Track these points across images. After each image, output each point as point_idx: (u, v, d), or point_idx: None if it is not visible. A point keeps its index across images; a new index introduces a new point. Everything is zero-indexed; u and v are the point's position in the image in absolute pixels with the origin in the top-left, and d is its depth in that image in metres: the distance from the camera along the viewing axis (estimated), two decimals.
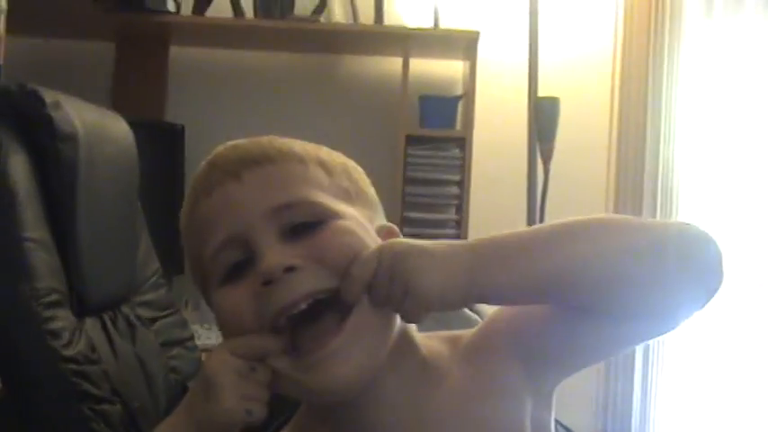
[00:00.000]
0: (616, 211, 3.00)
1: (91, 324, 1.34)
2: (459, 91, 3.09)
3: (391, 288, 0.80)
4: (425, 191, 2.92)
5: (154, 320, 1.56)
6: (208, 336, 2.64)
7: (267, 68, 3.20)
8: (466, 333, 0.92)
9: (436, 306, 0.81)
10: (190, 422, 0.82)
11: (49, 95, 1.36)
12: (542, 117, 2.63)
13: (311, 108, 3.17)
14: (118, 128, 1.58)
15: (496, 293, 0.83)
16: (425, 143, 2.93)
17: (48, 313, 1.19)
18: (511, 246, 0.82)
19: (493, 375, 0.87)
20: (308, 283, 0.81)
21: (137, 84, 3.05)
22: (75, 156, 1.34)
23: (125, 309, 1.48)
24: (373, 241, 0.86)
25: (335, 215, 0.85)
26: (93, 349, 1.27)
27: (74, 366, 1.19)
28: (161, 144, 2.90)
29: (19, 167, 1.28)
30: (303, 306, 0.81)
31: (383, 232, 0.91)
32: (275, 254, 0.81)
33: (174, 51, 3.12)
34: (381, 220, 0.94)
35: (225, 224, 0.85)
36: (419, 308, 0.81)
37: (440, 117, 2.97)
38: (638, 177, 3.02)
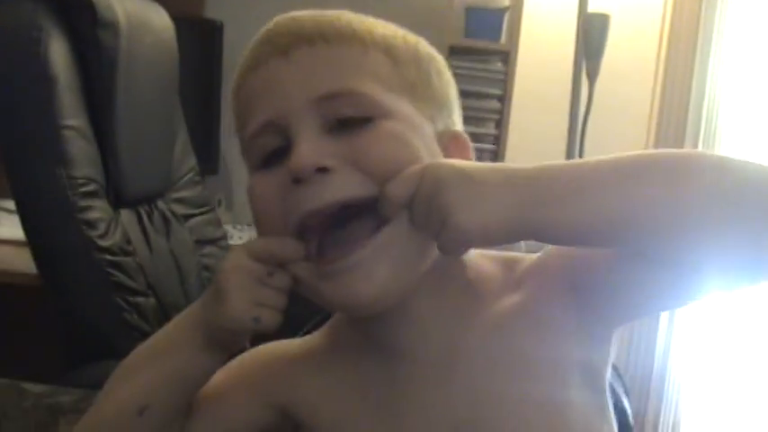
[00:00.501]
0: (657, 139, 2.94)
1: (127, 216, 1.33)
2: (506, 2, 3.01)
3: (429, 216, 0.71)
4: (466, 103, 2.82)
5: (188, 217, 1.55)
6: (240, 236, 2.64)
7: None
8: (526, 257, 0.83)
9: (476, 242, 0.72)
10: (200, 322, 0.77)
11: None
12: (591, 34, 2.54)
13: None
14: (159, 19, 1.54)
15: (549, 233, 0.72)
16: (469, 54, 2.86)
17: (84, 203, 1.18)
18: (573, 179, 0.71)
19: (541, 306, 0.78)
20: (339, 189, 0.72)
21: None
22: (116, 43, 1.32)
23: (161, 203, 1.47)
24: (426, 150, 0.76)
25: (387, 113, 0.75)
26: (129, 241, 1.27)
27: (109, 257, 1.19)
28: (200, 41, 2.85)
29: (59, 53, 1.25)
30: (329, 212, 0.72)
31: (446, 138, 0.80)
32: (310, 149, 0.72)
33: None
34: (449, 121, 0.82)
35: (266, 106, 0.76)
36: (456, 243, 0.71)
37: (485, 29, 2.89)
38: (682, 108, 2.95)
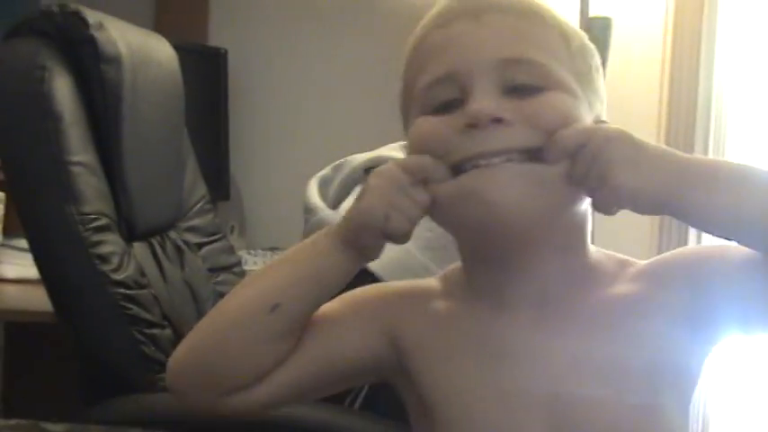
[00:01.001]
0: (667, 142, 2.92)
1: (140, 249, 1.33)
2: None
3: (590, 170, 0.76)
4: None
5: (201, 246, 1.56)
6: (254, 261, 2.64)
7: None
8: (635, 261, 0.88)
9: (627, 204, 0.77)
10: (339, 228, 0.81)
11: (92, 16, 1.33)
12: (593, 38, 2.53)
13: (355, 31, 3.11)
14: (162, 50, 1.55)
15: (692, 214, 0.78)
16: None
17: (96, 237, 1.19)
18: (725, 172, 0.78)
19: (653, 301, 0.83)
20: (511, 139, 0.77)
21: (179, 7, 3.00)
22: (120, 77, 1.32)
23: (173, 234, 1.48)
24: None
25: (559, 86, 0.81)
26: (143, 274, 1.27)
27: (123, 290, 1.19)
28: (204, 69, 2.87)
29: (64, 90, 1.26)
30: (496, 160, 0.77)
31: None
32: (489, 102, 0.78)
33: None
34: (600, 111, 0.88)
35: (450, 59, 0.81)
36: (610, 200, 0.76)
37: None
38: (690, 110, 2.93)
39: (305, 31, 3.13)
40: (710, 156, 2.89)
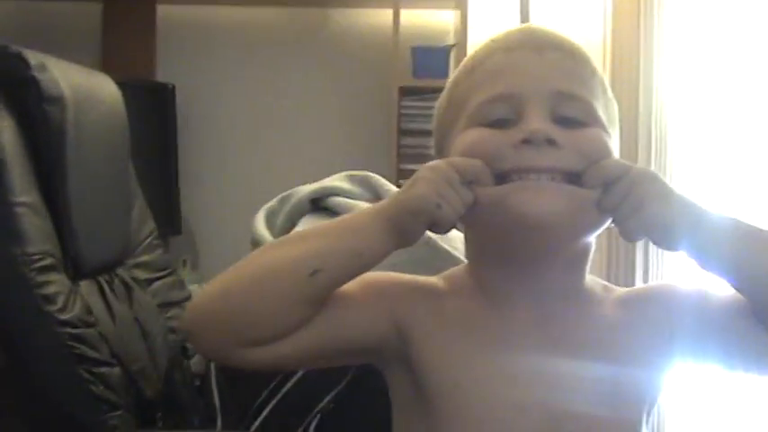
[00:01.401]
0: None
1: (87, 287, 1.33)
2: (450, 40, 3.05)
3: (625, 200, 0.84)
4: (420, 142, 2.89)
5: (151, 281, 1.56)
6: None
7: (256, 24, 3.16)
8: (614, 286, 0.98)
9: (654, 235, 0.85)
10: (386, 209, 0.86)
11: (33, 57, 1.33)
12: None
13: (303, 63, 3.13)
14: (106, 89, 1.56)
15: (704, 255, 0.86)
16: (419, 94, 2.90)
17: (41, 278, 1.18)
18: (741, 226, 0.86)
19: (644, 326, 0.92)
20: (558, 160, 0.85)
21: (125, 44, 3.00)
22: (63, 118, 1.33)
23: (121, 271, 1.48)
24: None
25: (599, 124, 0.90)
26: (90, 312, 1.27)
27: (70, 330, 1.19)
28: (152, 104, 2.88)
29: (6, 131, 1.26)
30: (545, 178, 0.85)
31: None
32: (544, 124, 0.86)
33: (162, 9, 3.07)
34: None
35: (510, 81, 0.90)
36: (640, 229, 0.85)
37: (432, 67, 2.93)
38: (631, 121, 2.99)
39: (252, 64, 3.14)
40: (652, 166, 2.96)
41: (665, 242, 0.86)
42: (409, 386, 0.92)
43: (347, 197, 1.32)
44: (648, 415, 0.92)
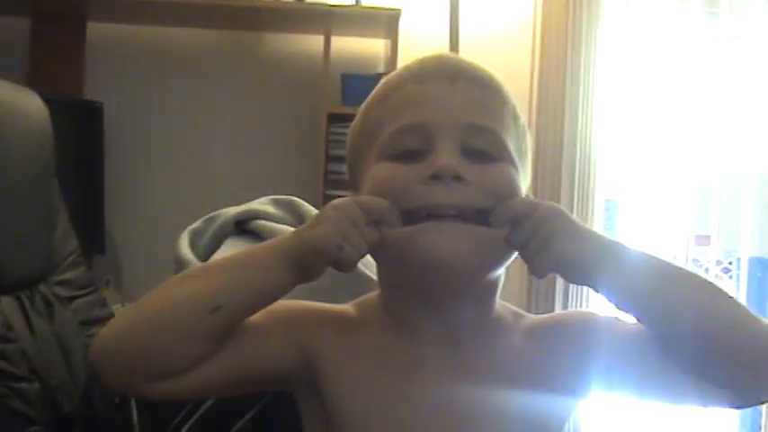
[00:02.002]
0: (534, 180, 3.04)
1: (7, 303, 1.32)
2: (380, 68, 3.10)
3: (532, 237, 0.86)
4: (345, 168, 2.92)
5: (72, 299, 1.55)
6: None
7: (187, 45, 3.17)
8: (524, 312, 0.99)
9: (562, 271, 0.87)
10: (288, 245, 0.87)
11: None
12: None
13: (232, 85, 3.15)
14: (30, 104, 1.55)
15: (613, 289, 0.88)
16: (347, 121, 2.91)
17: None
18: (643, 262, 0.88)
19: (549, 358, 0.93)
20: (466, 197, 0.86)
21: (53, 60, 2.98)
22: None
23: (42, 288, 1.47)
24: None
25: (509, 160, 0.91)
26: (10, 328, 1.26)
27: None
28: (79, 122, 2.85)
29: None
30: (450, 214, 0.86)
31: None
32: (453, 159, 0.87)
33: (92, 28, 3.06)
34: (527, 187, 0.98)
35: (421, 112, 0.90)
36: (548, 265, 0.86)
37: (362, 95, 2.92)
38: (556, 154, 3.07)
39: (181, 85, 3.15)
40: (576, 190, 3.03)
41: (574, 278, 0.88)
42: (320, 415, 0.92)
43: (272, 220, 1.34)
44: None
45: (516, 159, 0.93)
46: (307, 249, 0.86)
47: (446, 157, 0.87)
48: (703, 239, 3.21)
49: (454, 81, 0.92)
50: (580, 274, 0.87)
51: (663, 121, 3.21)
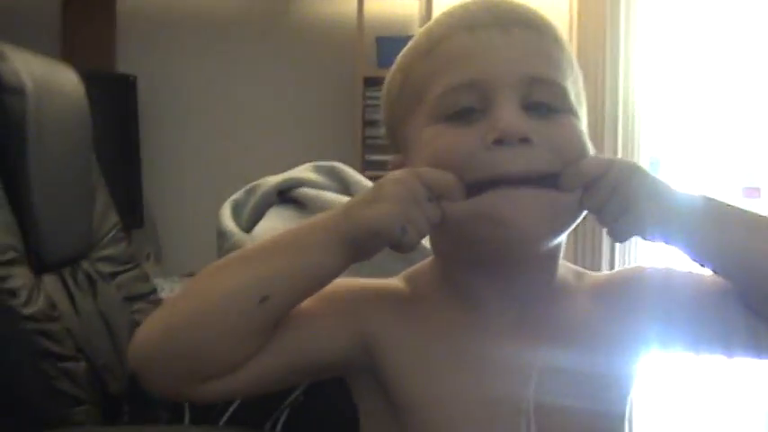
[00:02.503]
0: None
1: (50, 281, 1.31)
2: (415, 30, 3.05)
3: (610, 199, 0.79)
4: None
5: (115, 275, 1.53)
6: (171, 288, 2.61)
7: (218, 13, 3.14)
8: (586, 271, 0.93)
9: (646, 232, 0.80)
10: (338, 224, 0.79)
11: None
12: None
13: (265, 52, 3.12)
14: (67, 80, 1.53)
15: (698, 248, 0.82)
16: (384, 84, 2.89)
17: (3, 272, 1.16)
18: (734, 214, 0.83)
19: (619, 320, 0.87)
20: (536, 160, 0.79)
21: (85, 34, 2.97)
22: (24, 108, 1.30)
23: (85, 264, 1.46)
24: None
25: (572, 111, 0.84)
26: (54, 306, 1.25)
27: (34, 325, 1.17)
28: (113, 96, 2.84)
29: None
30: (520, 186, 0.78)
31: None
32: (518, 119, 0.79)
33: (122, 0, 3.04)
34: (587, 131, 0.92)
35: (476, 67, 0.81)
36: (633, 228, 0.79)
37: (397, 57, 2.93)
38: (598, 112, 3.01)
39: (214, 54, 3.12)
40: (620, 143, 2.98)
41: (658, 239, 0.81)
42: (379, 398, 0.86)
43: (315, 188, 1.31)
44: (629, 399, 0.90)
45: (577, 109, 0.86)
46: (364, 230, 0.78)
47: (509, 117, 0.79)
48: (753, 191, 3.15)
49: (508, 28, 0.83)
50: (664, 234, 0.80)
51: (706, 74, 3.13)
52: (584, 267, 0.97)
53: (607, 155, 2.94)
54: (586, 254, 2.96)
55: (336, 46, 3.09)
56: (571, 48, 0.89)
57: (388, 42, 2.94)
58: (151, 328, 0.78)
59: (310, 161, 1.39)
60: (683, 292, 0.86)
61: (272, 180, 1.34)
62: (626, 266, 0.97)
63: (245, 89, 3.11)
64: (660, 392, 2.92)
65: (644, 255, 2.94)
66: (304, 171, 1.36)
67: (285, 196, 1.31)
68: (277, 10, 3.14)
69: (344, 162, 1.40)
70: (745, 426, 2.99)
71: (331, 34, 3.11)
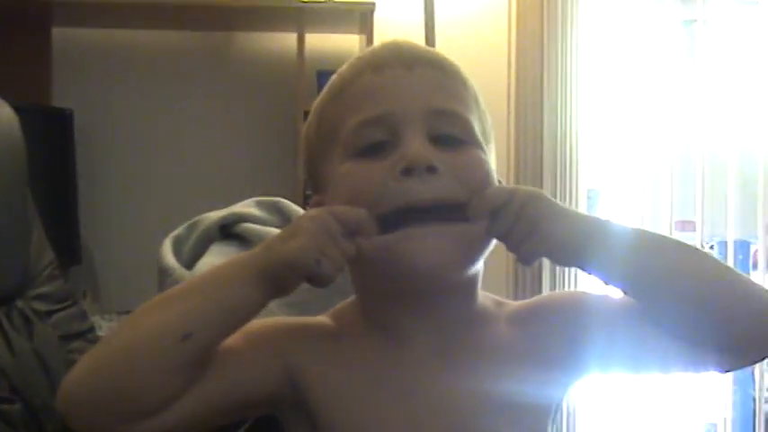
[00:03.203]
0: (517, 171, 3.02)
1: None
2: None
3: (516, 225, 0.83)
4: None
5: (51, 313, 1.49)
6: (109, 326, 2.56)
7: (157, 48, 3.11)
8: (505, 300, 0.97)
9: (553, 255, 0.85)
10: (257, 260, 0.82)
11: None
12: None
13: (206, 87, 3.10)
14: (1, 112, 1.50)
15: (604, 267, 0.86)
16: None
17: None
18: (627, 236, 0.87)
19: (539, 343, 0.90)
20: (441, 190, 0.84)
21: (19, 68, 2.91)
22: None
23: (20, 303, 1.42)
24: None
25: (477, 143, 0.89)
26: None
27: None
28: (49, 130, 2.79)
29: None
30: (427, 207, 0.83)
31: None
32: (424, 149, 0.84)
33: (58, 32, 3.00)
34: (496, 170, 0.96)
35: (383, 102, 0.87)
36: (541, 250, 0.84)
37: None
38: (537, 144, 3.05)
39: (153, 89, 3.09)
40: (558, 183, 3.02)
41: (564, 259, 0.86)
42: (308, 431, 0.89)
43: (257, 223, 1.29)
44: (552, 421, 0.93)
45: (483, 142, 0.91)
46: (281, 264, 0.82)
47: (416, 147, 0.84)
48: (687, 225, 3.21)
49: (412, 67, 0.89)
50: (570, 254, 0.85)
51: (643, 107, 3.20)
52: (526, 297, 0.99)
53: (547, 187, 2.99)
54: (527, 285, 2.98)
55: (277, 80, 3.09)
56: (475, 89, 0.94)
57: (329, 76, 2.93)
58: (82, 367, 0.80)
59: (251, 196, 1.38)
60: (614, 313, 0.89)
61: (214, 215, 1.33)
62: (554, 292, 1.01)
63: (185, 124, 3.09)
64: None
65: (585, 284, 2.97)
66: (246, 206, 1.35)
67: (227, 232, 1.30)
68: (217, 44, 3.13)
69: (286, 197, 1.39)
70: None
71: (272, 68, 3.11)
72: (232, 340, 0.85)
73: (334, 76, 0.94)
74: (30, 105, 2.49)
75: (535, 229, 0.83)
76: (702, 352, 0.84)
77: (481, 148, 0.89)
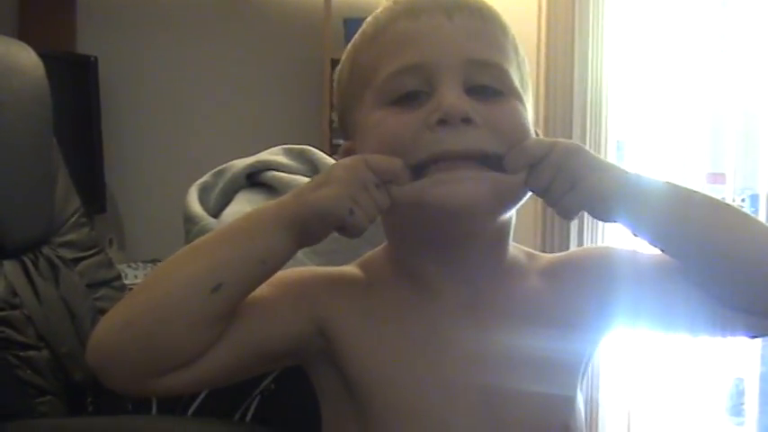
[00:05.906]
0: (546, 124, 2.98)
1: (10, 267, 1.27)
2: None
3: (556, 178, 0.82)
4: None
5: (77, 261, 1.49)
6: (135, 274, 2.56)
7: None
8: (540, 254, 0.95)
9: (596, 207, 0.83)
10: (287, 209, 0.81)
11: None
12: None
13: (229, 35, 3.06)
14: (26, 59, 1.48)
15: (641, 222, 0.84)
16: None
17: None
18: (662, 190, 0.85)
19: (569, 298, 0.89)
20: (476, 141, 0.82)
21: (44, 14, 2.89)
22: None
23: (46, 250, 1.41)
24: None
25: (515, 94, 0.86)
26: (15, 294, 1.21)
27: None
28: (74, 77, 2.78)
29: None
30: (459, 165, 0.81)
31: None
32: (460, 100, 0.82)
33: None
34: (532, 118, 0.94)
35: (420, 50, 0.84)
36: (581, 203, 0.83)
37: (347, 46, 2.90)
38: (567, 95, 3.00)
39: (177, 35, 3.06)
40: (588, 134, 2.98)
41: (605, 214, 0.84)
42: (337, 383, 0.88)
43: (285, 171, 1.28)
44: (583, 378, 0.92)
45: (521, 92, 0.88)
46: (312, 212, 0.80)
47: (452, 97, 0.82)
48: (717, 177, 3.16)
49: (451, 14, 0.85)
50: (610, 207, 0.83)
51: (674, 59, 3.13)
52: (553, 250, 0.97)
53: (576, 138, 2.94)
54: (554, 237, 2.96)
55: (303, 28, 3.05)
56: (515, 37, 0.91)
57: (356, 24, 2.88)
58: (111, 321, 0.79)
59: (276, 144, 1.36)
60: (645, 269, 0.87)
61: (241, 163, 1.31)
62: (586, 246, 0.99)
63: (211, 72, 3.06)
64: (624, 372, 2.94)
65: (613, 239, 2.95)
66: (274, 154, 1.33)
67: (254, 180, 1.28)
68: None
69: (313, 145, 1.37)
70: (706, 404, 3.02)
71: (298, 16, 3.07)
72: (261, 291, 0.84)
73: (368, 19, 0.91)
74: (54, 52, 2.48)
75: (576, 182, 0.82)
76: (732, 314, 0.83)
77: (519, 98, 0.87)
